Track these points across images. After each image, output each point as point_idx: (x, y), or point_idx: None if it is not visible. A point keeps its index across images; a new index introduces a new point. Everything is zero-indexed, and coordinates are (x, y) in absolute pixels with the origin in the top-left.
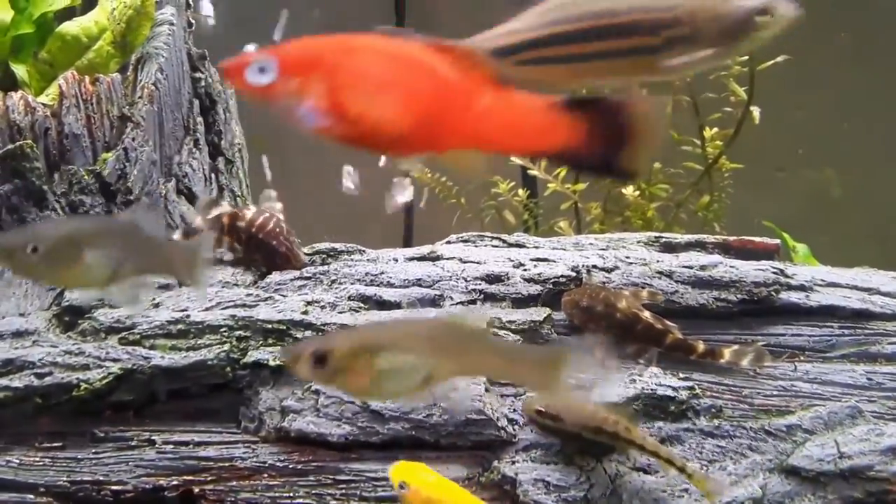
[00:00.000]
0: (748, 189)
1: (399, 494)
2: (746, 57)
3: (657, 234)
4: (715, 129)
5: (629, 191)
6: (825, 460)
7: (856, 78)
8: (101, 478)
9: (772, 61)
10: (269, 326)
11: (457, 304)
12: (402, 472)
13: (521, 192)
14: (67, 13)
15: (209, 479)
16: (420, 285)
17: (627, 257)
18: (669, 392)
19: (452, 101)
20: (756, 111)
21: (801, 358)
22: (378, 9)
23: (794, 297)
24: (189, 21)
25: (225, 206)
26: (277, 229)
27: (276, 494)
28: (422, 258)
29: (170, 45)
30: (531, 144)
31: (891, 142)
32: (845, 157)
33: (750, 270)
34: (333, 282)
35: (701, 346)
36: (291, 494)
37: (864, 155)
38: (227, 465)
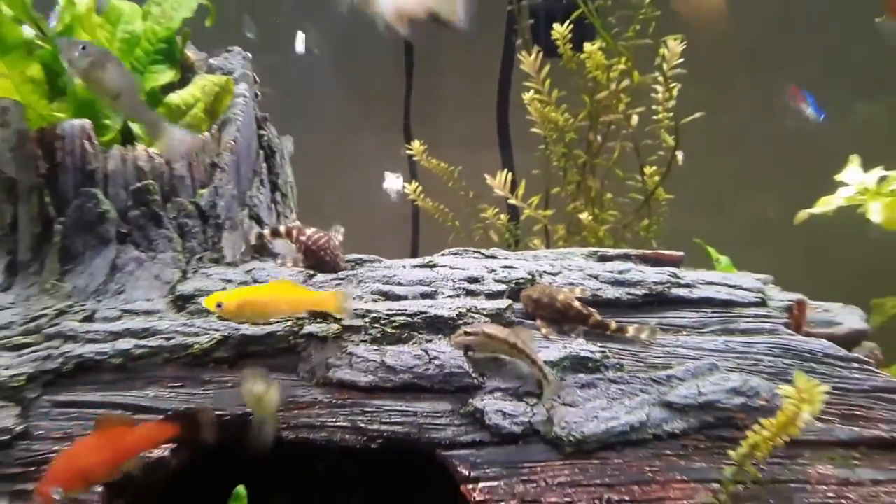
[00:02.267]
0: (697, 213)
1: (220, 311)
2: (672, 114)
3: (595, 250)
4: (653, 168)
5: (585, 216)
6: (689, 397)
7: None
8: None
9: (691, 117)
10: (317, 311)
11: (447, 297)
12: (213, 299)
13: (503, 216)
14: (169, 86)
15: (279, 409)
16: (421, 284)
17: (569, 265)
18: (588, 354)
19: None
20: (679, 154)
21: (683, 333)
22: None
23: (682, 292)
24: (256, 93)
25: (295, 223)
26: (327, 245)
27: (324, 420)
28: (423, 265)
29: (244, 111)
30: (155, 442)
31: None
32: (780, 187)
33: (652, 274)
34: (361, 281)
35: (613, 325)
36: (334, 419)
37: (794, 185)
38: (290, 400)
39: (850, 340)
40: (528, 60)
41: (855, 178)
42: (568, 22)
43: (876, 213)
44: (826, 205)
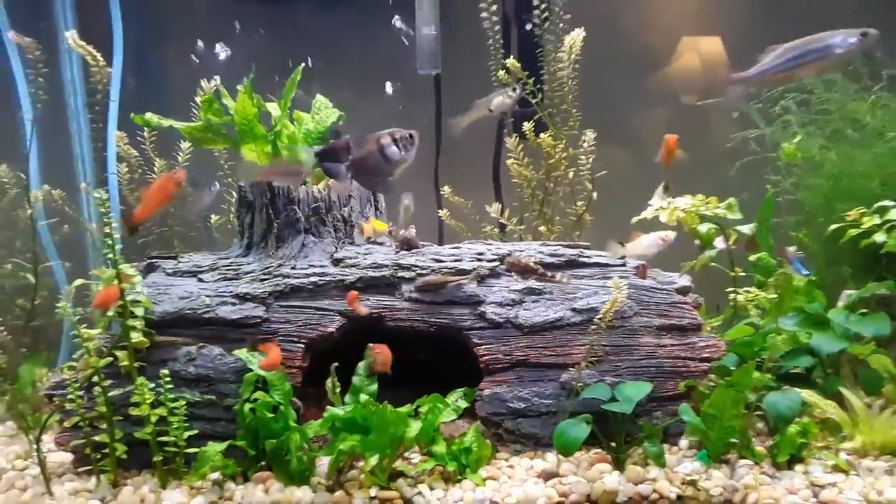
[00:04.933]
0: (610, 230)
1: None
2: (591, 171)
3: (544, 242)
4: (581, 202)
5: (543, 230)
6: (583, 306)
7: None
8: (349, 310)
9: (600, 174)
10: (404, 265)
11: (467, 261)
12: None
13: (495, 230)
14: None
15: (386, 309)
16: (454, 255)
17: (530, 249)
18: (536, 287)
19: None
20: (595, 194)
21: (583, 279)
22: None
23: (584, 260)
24: None
25: (393, 227)
26: (411, 238)
27: (409, 316)
28: (454, 247)
29: None
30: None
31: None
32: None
33: (569, 251)
34: (423, 254)
35: (549, 274)
36: (414, 316)
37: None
38: (392, 306)
39: (682, 291)
40: (511, 141)
41: (656, 202)
42: (532, 121)
43: (664, 218)
44: (641, 216)
